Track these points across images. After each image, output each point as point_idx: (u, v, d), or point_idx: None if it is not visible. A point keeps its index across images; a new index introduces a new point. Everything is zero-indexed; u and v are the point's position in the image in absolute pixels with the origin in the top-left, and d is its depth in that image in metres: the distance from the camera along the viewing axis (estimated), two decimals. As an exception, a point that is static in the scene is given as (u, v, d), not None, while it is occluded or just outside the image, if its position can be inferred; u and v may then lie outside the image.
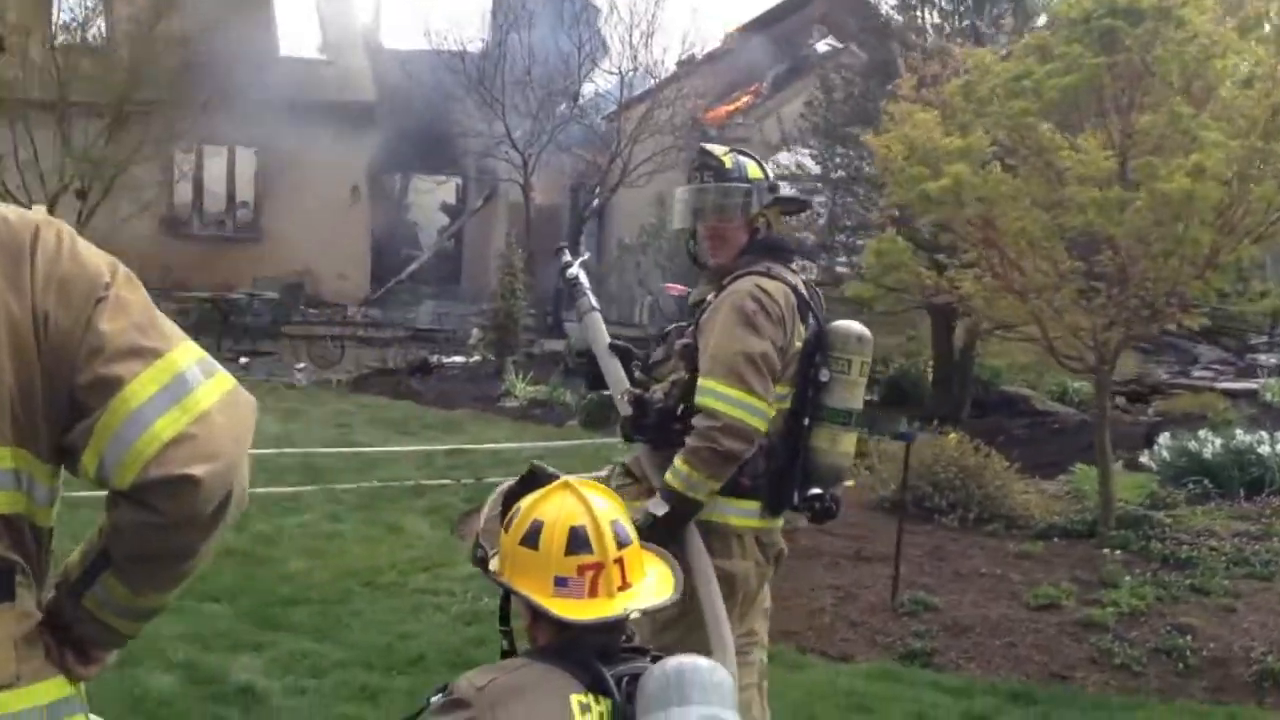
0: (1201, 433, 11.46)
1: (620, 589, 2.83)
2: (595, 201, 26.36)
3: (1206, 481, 11.01)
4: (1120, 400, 17.54)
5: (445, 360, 20.97)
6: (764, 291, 4.27)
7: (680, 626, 4.31)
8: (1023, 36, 11.46)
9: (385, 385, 18.24)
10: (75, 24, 25.04)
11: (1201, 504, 10.57)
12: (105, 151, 23.91)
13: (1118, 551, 8.78)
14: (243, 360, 20.10)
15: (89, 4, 25.40)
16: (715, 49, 28.36)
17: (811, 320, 4.40)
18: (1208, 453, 11.13)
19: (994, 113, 8.88)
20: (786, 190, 4.67)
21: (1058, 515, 9.56)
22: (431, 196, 32.62)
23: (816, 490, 4.39)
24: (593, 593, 2.79)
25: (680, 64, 27.29)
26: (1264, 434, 11.20)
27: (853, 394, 4.40)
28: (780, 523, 4.57)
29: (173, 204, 29.82)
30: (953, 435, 10.88)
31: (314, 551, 8.56)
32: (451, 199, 32.89)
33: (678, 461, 4.20)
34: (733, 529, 4.36)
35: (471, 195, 31.48)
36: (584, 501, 2.82)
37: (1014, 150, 9.12)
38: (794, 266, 4.55)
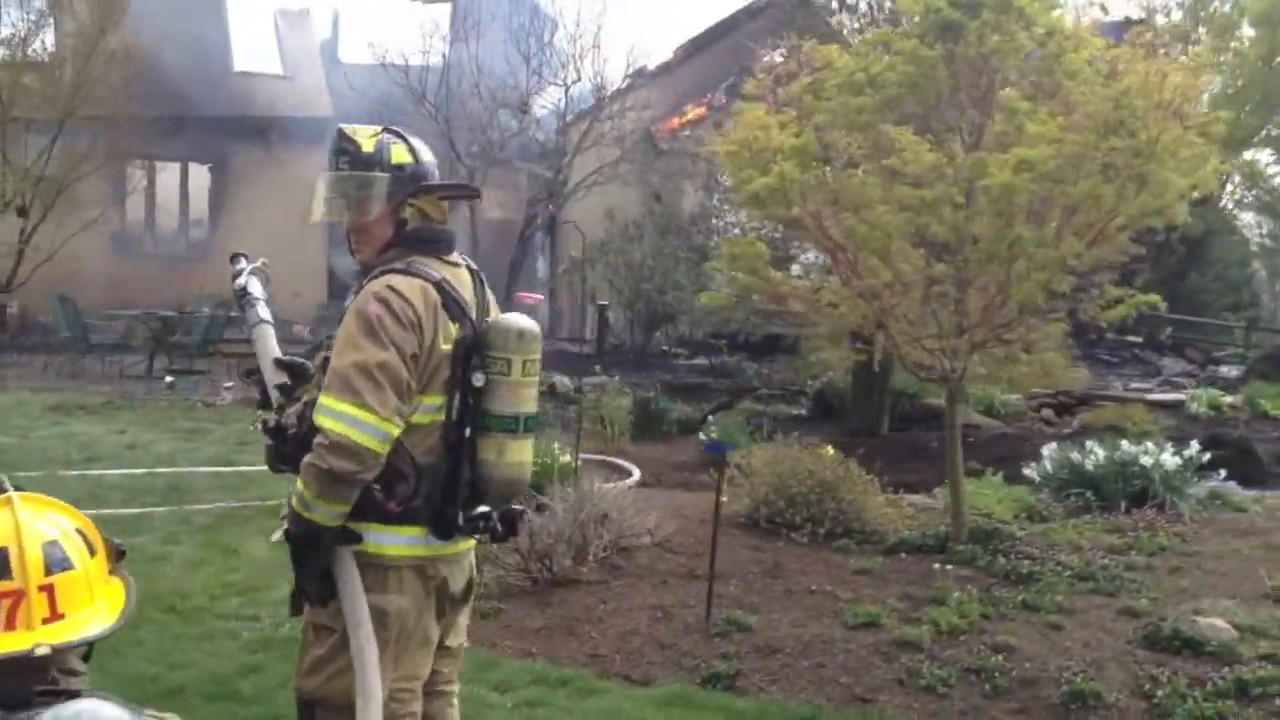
0: (1089, 444, 11.16)
1: (49, 620, 2.58)
2: (538, 218, 26.09)
3: (1089, 494, 10.76)
4: (1047, 412, 17.32)
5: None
6: (394, 292, 3.91)
7: (327, 669, 4.05)
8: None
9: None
10: (17, 39, 24.78)
11: (1082, 516, 10.33)
12: (47, 168, 23.75)
13: (962, 568, 8.52)
14: (168, 379, 19.88)
15: (31, 18, 25.13)
16: (665, 61, 28.20)
17: (466, 318, 4.04)
18: (1089, 464, 10.86)
19: (832, 110, 8.64)
20: (435, 178, 4.23)
21: (913, 530, 9.26)
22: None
23: (482, 509, 4.06)
24: (9, 624, 2.55)
25: (628, 76, 27.10)
26: (1149, 445, 10.90)
27: (518, 397, 4.03)
28: (461, 548, 4.19)
29: (125, 221, 29.67)
30: (827, 448, 10.63)
31: (128, 576, 8.28)
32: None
33: (297, 478, 3.91)
34: (387, 560, 4.00)
35: (433, 211, 31.23)
36: (14, 520, 2.58)
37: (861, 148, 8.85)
38: (453, 259, 4.17)
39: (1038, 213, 8.40)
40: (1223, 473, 11.31)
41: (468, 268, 4.28)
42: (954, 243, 8.38)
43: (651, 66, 27.79)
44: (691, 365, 24.31)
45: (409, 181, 4.11)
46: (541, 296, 16.03)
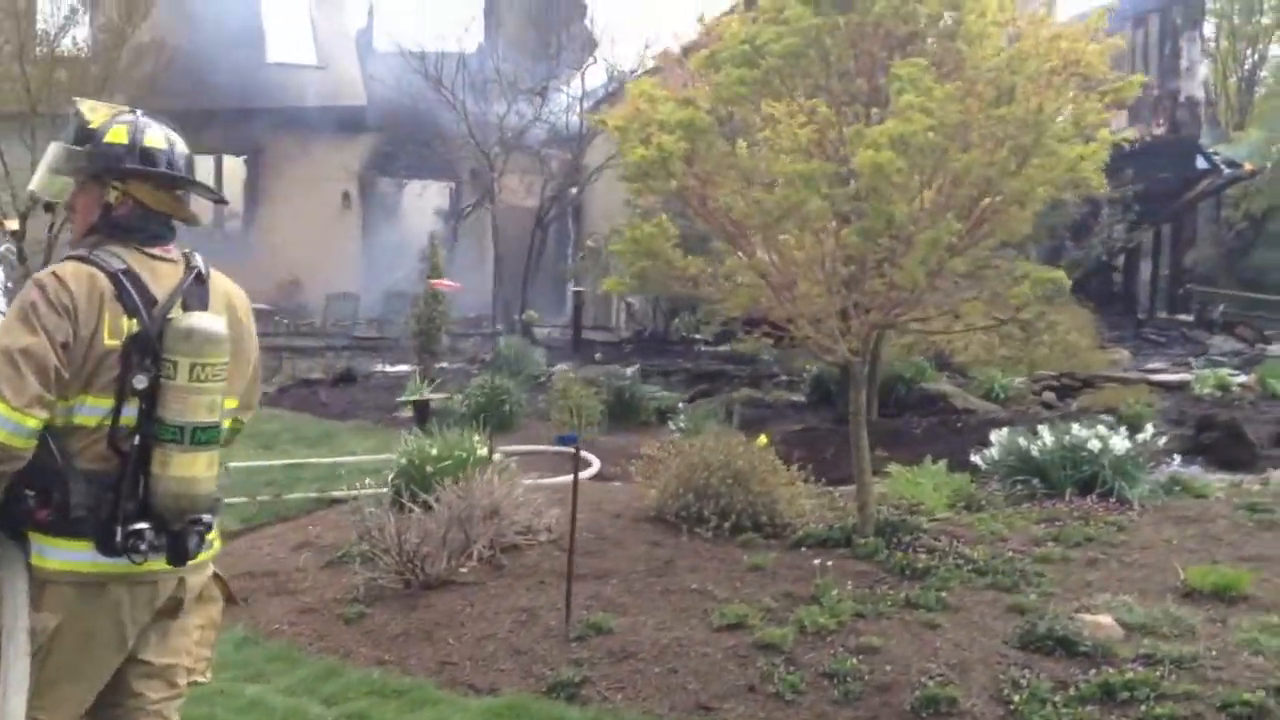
0: (1040, 429, 10.72)
1: None
2: (553, 206, 25.85)
3: (1035, 481, 10.35)
4: (1049, 395, 16.83)
5: (388, 369, 20.62)
6: (55, 277, 3.66)
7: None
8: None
9: (299, 397, 17.94)
10: (49, 34, 24.91)
11: (1025, 504, 9.94)
12: (76, 163, 23.82)
13: (860, 562, 8.19)
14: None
15: (64, 13, 25.27)
16: (690, 42, 27.75)
17: (145, 314, 3.74)
18: (1035, 450, 10.43)
19: (718, 83, 8.31)
20: (174, 168, 3.96)
21: (825, 522, 8.92)
22: (423, 201, 32.40)
23: (138, 525, 3.75)
24: None
25: (654, 58, 26.72)
26: (1103, 429, 10.44)
27: (185, 404, 3.71)
28: (155, 567, 3.83)
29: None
30: (763, 437, 10.31)
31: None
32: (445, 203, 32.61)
33: None
34: (48, 573, 3.73)
35: (464, 199, 31.19)
36: None
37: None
38: (159, 251, 3.89)
39: (924, 187, 7.98)
40: (1177, 458, 10.79)
41: (188, 265, 4.03)
42: (832, 220, 7.98)
43: (676, 49, 27.31)
44: (716, 352, 23.97)
45: (113, 162, 3.86)
46: (459, 285, 15.79)
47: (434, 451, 9.66)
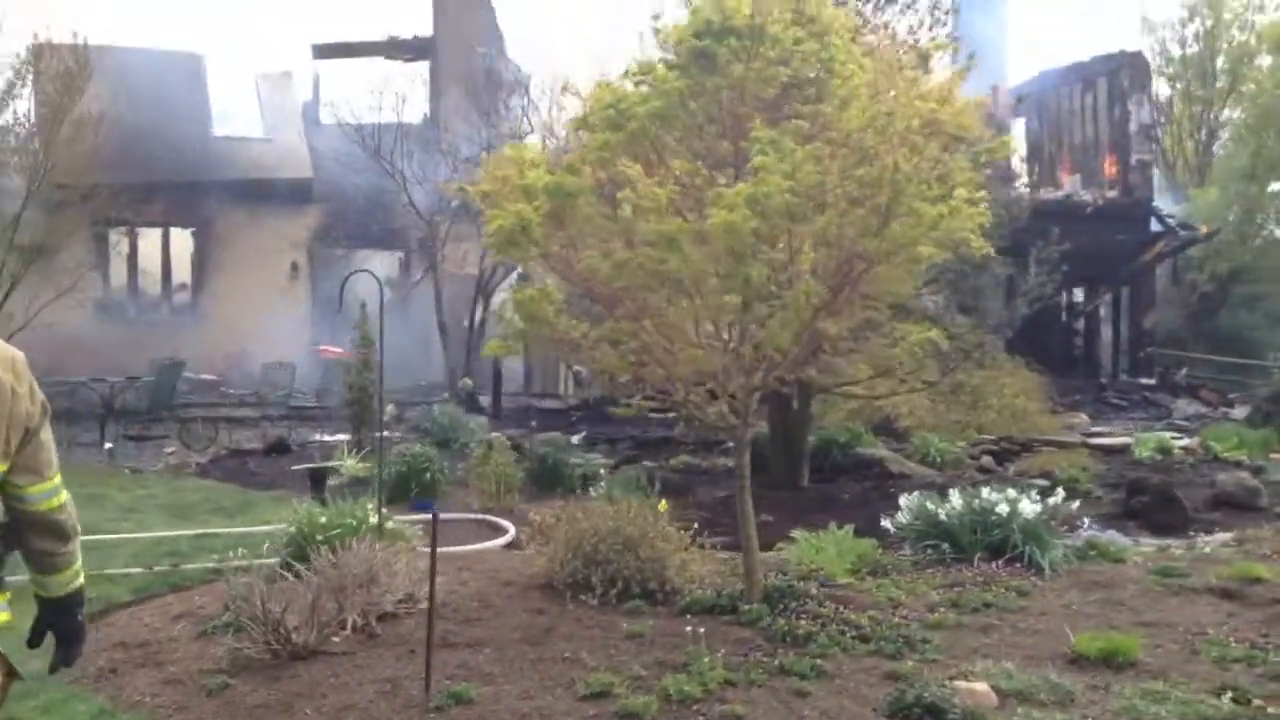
0: (952, 492, 10.53)
1: None
2: (493, 273, 25.71)
3: (945, 545, 10.14)
4: (987, 459, 16.68)
5: (326, 438, 20.35)
6: None
7: None
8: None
9: (229, 468, 17.67)
10: (-14, 108, 24.76)
11: (930, 569, 9.75)
12: (18, 237, 23.63)
13: (744, 629, 7.96)
14: (107, 445, 19.66)
15: (1, 87, 25.14)
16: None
17: None
18: (943, 514, 10.23)
19: (584, 146, 8.18)
20: None
21: (717, 588, 8.69)
22: (375, 270, 32.13)
23: None
24: None
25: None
26: (1013, 492, 10.25)
27: None
28: None
29: (107, 287, 29.66)
30: (662, 503, 10.09)
31: None
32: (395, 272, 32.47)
33: None
34: None
35: (414, 268, 31.06)
36: None
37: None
38: None
39: (789, 250, 7.82)
40: (1086, 520, 10.61)
41: None
42: (693, 281, 7.80)
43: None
44: (664, 419, 23.72)
45: None
46: (343, 351, 15.59)
47: (323, 520, 9.40)
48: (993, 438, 17.97)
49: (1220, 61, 44.15)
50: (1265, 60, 41.68)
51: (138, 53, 28.61)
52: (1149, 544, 11.71)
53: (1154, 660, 7.51)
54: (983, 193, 8.18)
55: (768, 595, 8.40)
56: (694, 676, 7.00)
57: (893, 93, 8.04)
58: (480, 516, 12.99)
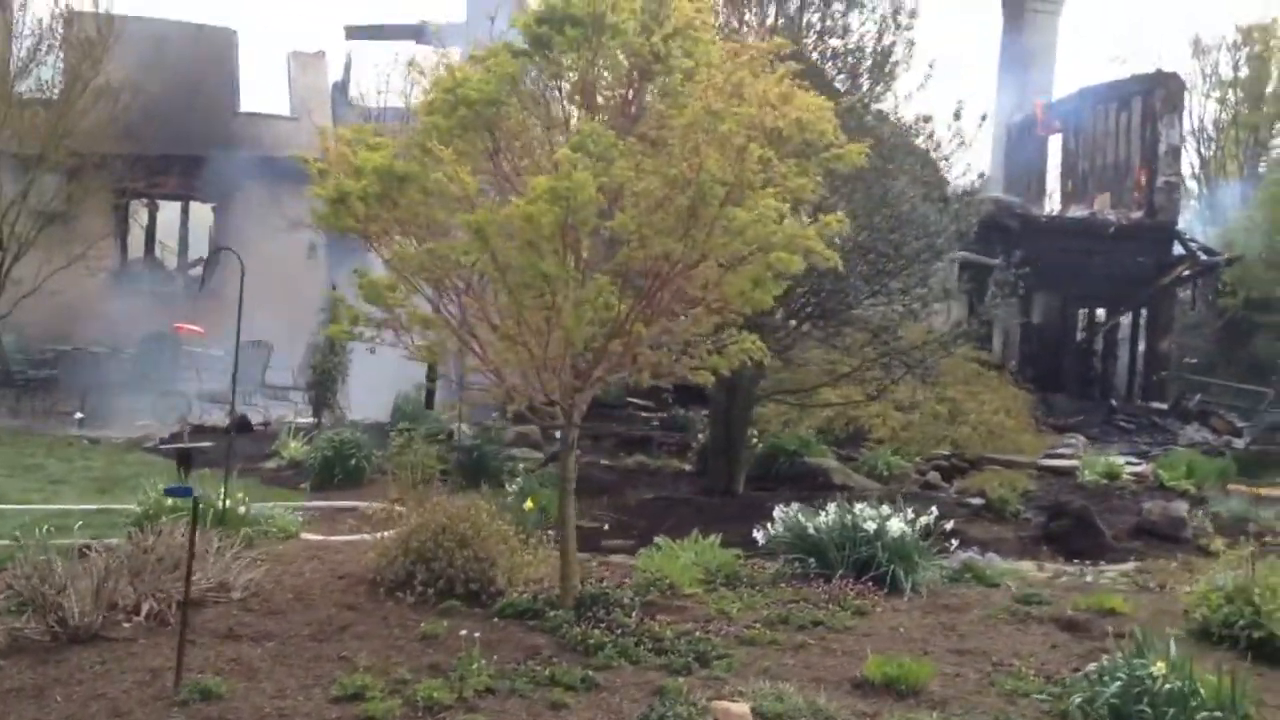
0: (830, 507, 10.29)
1: None
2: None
3: (811, 560, 9.93)
4: (934, 475, 16.38)
5: (298, 420, 20.33)
6: None
7: None
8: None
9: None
10: (8, 74, 24.91)
11: (791, 583, 9.55)
12: (29, 203, 23.80)
13: (545, 635, 7.80)
14: (78, 415, 19.97)
15: (21, 56, 25.33)
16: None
17: None
18: (811, 529, 10.00)
19: (413, 129, 8.03)
20: None
21: (537, 592, 8.53)
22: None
23: None
24: None
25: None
26: (886, 509, 10.00)
27: None
28: None
29: (125, 258, 29.90)
30: (529, 502, 9.95)
31: None
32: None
33: None
34: None
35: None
36: None
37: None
38: None
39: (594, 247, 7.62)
40: (954, 543, 10.33)
41: None
42: (500, 273, 7.61)
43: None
44: (655, 416, 23.53)
45: None
46: (200, 330, 15.47)
47: (170, 501, 9.32)
48: (945, 454, 17.63)
49: (1272, 86, 43.27)
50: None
51: (170, 24, 28.79)
52: (1052, 569, 11.44)
53: (943, 690, 7.28)
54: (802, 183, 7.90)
55: (580, 602, 8.21)
56: (451, 683, 6.83)
57: (731, 93, 7.76)
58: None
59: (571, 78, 7.99)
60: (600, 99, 8.38)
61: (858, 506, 10.19)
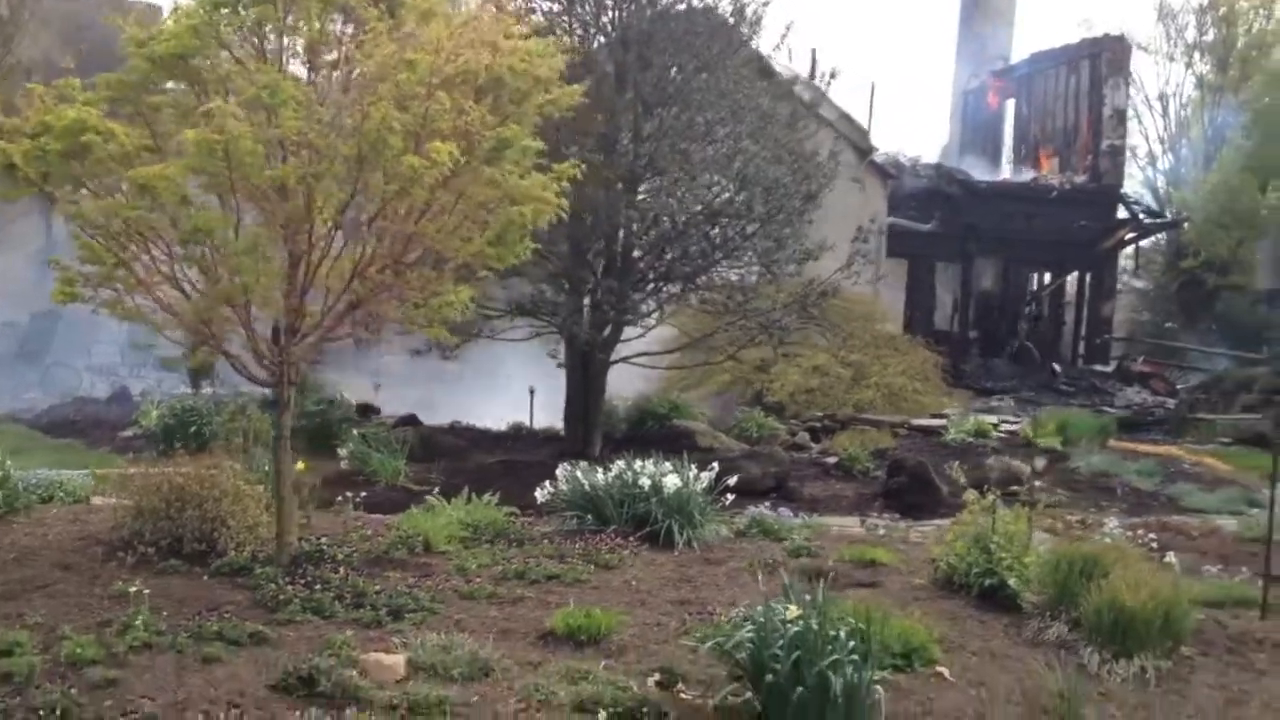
0: (620, 464, 10.12)
1: None
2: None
3: (589, 517, 9.77)
4: (803, 436, 16.21)
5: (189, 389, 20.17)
6: None
7: None
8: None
9: (60, 415, 17.71)
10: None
11: (574, 539, 9.39)
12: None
13: (247, 590, 7.62)
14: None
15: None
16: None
17: None
18: (588, 486, 9.83)
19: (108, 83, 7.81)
20: None
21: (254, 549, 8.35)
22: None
23: None
24: None
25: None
26: (667, 466, 9.83)
27: None
28: None
29: (50, 236, 29.61)
30: (300, 463, 9.75)
31: None
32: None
33: None
34: None
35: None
36: None
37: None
38: None
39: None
40: (729, 497, 10.13)
41: None
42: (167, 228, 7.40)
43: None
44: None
45: None
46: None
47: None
48: (820, 415, 17.44)
49: (1239, 48, 42.72)
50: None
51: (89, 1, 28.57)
52: (878, 524, 11.27)
53: (629, 639, 7.12)
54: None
55: (295, 560, 8.03)
56: (104, 639, 6.64)
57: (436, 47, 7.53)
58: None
59: (266, 30, 7.72)
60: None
61: (638, 463, 10.00)
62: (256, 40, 7.76)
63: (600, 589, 8.20)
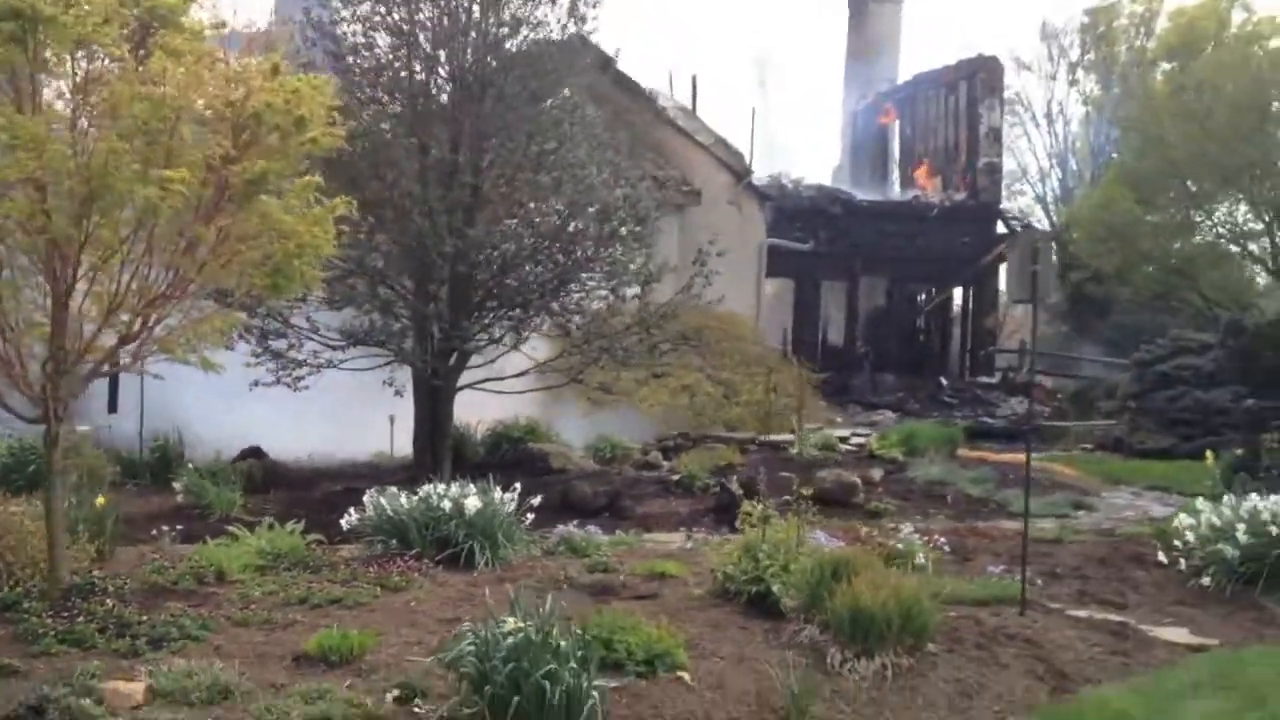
0: (427, 488, 10.20)
1: None
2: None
3: (394, 541, 9.86)
4: (655, 454, 16.39)
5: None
6: None
7: None
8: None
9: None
10: None
11: (375, 564, 9.45)
12: None
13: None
14: None
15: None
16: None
17: None
18: (391, 510, 9.93)
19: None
20: None
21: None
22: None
23: None
24: None
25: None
26: (463, 489, 9.94)
27: None
28: None
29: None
30: (100, 498, 9.77)
31: None
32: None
33: None
34: None
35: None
36: None
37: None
38: None
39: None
40: (529, 517, 10.26)
41: None
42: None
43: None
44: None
45: None
46: None
47: None
48: (674, 433, 17.66)
49: (1120, 66, 43.59)
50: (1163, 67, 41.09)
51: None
52: (700, 538, 11.40)
53: (384, 658, 7.23)
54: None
55: (65, 593, 8.06)
56: None
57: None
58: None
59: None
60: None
61: (439, 487, 10.12)
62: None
63: (378, 611, 8.28)
